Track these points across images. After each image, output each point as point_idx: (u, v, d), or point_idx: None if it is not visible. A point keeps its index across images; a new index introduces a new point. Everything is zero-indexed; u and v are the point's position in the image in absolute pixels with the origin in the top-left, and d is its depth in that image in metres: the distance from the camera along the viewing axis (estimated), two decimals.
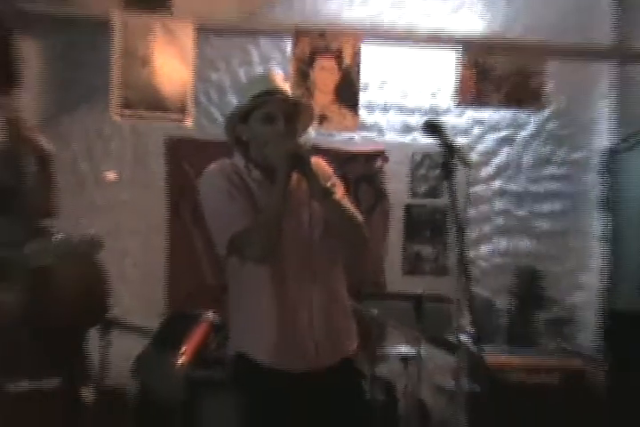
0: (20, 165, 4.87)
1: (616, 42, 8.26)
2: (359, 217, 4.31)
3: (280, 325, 4.19)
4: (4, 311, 4.79)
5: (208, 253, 6.35)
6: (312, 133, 6.09)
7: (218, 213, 4.30)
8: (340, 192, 4.33)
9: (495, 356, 6.60)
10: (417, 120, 8.17)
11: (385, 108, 8.36)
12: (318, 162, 4.36)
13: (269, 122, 4.23)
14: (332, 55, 6.81)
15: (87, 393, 5.12)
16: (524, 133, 8.52)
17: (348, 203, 4.34)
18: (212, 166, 4.39)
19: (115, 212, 7.89)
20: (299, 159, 4.11)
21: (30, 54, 6.72)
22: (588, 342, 7.59)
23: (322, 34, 6.81)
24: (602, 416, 6.23)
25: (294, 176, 4.19)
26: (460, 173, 3.80)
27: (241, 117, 4.33)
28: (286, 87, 4.44)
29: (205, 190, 4.40)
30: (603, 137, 8.44)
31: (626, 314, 6.92)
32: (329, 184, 4.27)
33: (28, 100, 6.80)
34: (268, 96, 4.28)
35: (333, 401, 4.26)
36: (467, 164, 3.83)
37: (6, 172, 4.88)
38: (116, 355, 5.94)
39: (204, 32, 6.75)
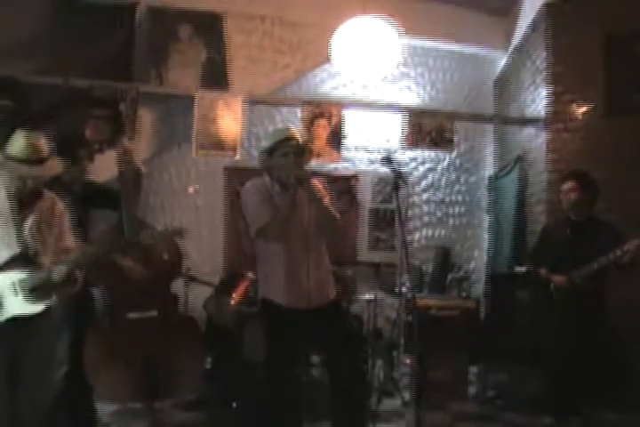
0: (125, 179, 5.01)
1: (496, 111, 8.43)
2: (337, 215, 4.45)
3: (288, 280, 4.39)
4: (129, 272, 4.93)
5: (246, 235, 6.30)
6: (312, 164, 6.20)
7: (251, 211, 4.45)
8: (326, 200, 4.47)
9: (421, 299, 6.49)
10: (376, 156, 8.23)
11: (357, 149, 8.44)
12: (314, 182, 4.48)
13: (285, 156, 4.39)
14: (325, 118, 6.73)
15: (174, 319, 5.27)
16: (441, 165, 8.67)
17: (330, 206, 4.47)
18: (250, 183, 4.55)
19: (195, 211, 8.05)
20: (303, 180, 4.30)
21: (144, 116, 6.76)
22: (478, 291, 7.66)
23: (319, 104, 6.72)
24: (482, 334, 6.28)
25: (299, 190, 4.34)
26: (403, 189, 3.96)
27: (268, 153, 4.48)
28: (297, 136, 4.55)
29: (245, 197, 4.53)
30: (488, 168, 8.63)
31: (501, 274, 6.96)
32: (320, 195, 4.43)
33: (142, 143, 6.92)
34: (285, 141, 4.44)
35: (326, 326, 4.42)
36: (406, 183, 3.99)
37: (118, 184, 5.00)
38: (194, 297, 6.22)
39: (248, 103, 6.69)
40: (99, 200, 5.04)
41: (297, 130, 5.55)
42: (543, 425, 5.23)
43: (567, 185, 5.37)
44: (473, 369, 6.40)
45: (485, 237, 8.38)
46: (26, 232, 3.81)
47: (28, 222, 3.83)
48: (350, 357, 4.45)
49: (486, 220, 8.40)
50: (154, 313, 4.95)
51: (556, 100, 6.54)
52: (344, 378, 4.37)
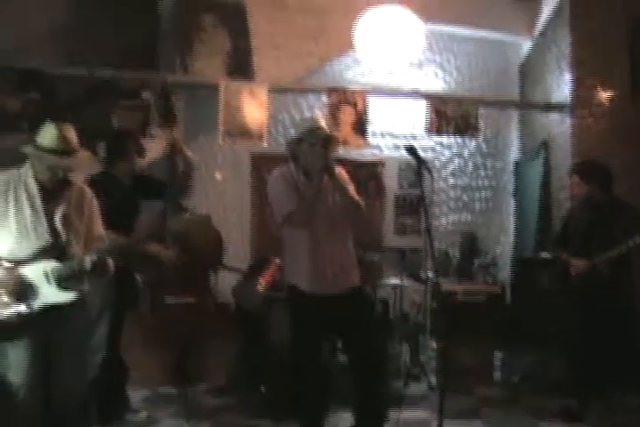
0: (174, 169, 5.07)
1: (521, 96, 8.39)
2: (361, 203, 4.49)
3: (312, 266, 4.43)
4: (165, 259, 5.00)
5: (273, 221, 6.32)
6: (339, 152, 6.20)
7: (277, 199, 4.50)
8: (351, 188, 4.51)
9: (447, 284, 6.55)
10: (402, 142, 8.13)
11: (382, 135, 8.45)
12: (340, 171, 4.50)
13: (313, 146, 4.41)
14: (350, 104, 6.73)
15: (210, 305, 5.35)
16: (466, 151, 8.66)
17: (356, 195, 4.50)
18: (276, 170, 4.60)
19: (222, 197, 8.07)
20: (328, 169, 4.34)
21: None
22: (503, 276, 7.63)
23: (344, 91, 6.75)
24: (508, 319, 6.28)
25: (325, 178, 4.38)
26: (427, 175, 3.89)
27: (295, 142, 4.52)
28: (323, 124, 4.57)
29: (271, 185, 4.58)
30: (513, 153, 8.61)
31: (526, 260, 6.93)
32: (344, 183, 4.45)
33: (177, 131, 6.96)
34: (312, 131, 4.46)
35: (350, 311, 4.45)
36: (430, 171, 3.94)
37: (166, 172, 5.08)
38: (223, 283, 6.20)
39: (274, 91, 6.66)
40: (148, 191, 5.15)
41: (323, 117, 5.59)
42: (567, 409, 5.26)
43: (572, 179, 5.45)
44: (498, 354, 6.42)
45: (512, 222, 8.36)
46: (56, 222, 3.85)
47: (59, 212, 3.86)
48: (371, 341, 4.50)
49: (512, 205, 8.38)
50: (191, 299, 5.08)
51: (581, 84, 6.51)
52: (365, 363, 4.43)
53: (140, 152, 5.06)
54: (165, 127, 5.64)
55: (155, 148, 5.78)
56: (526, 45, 8.20)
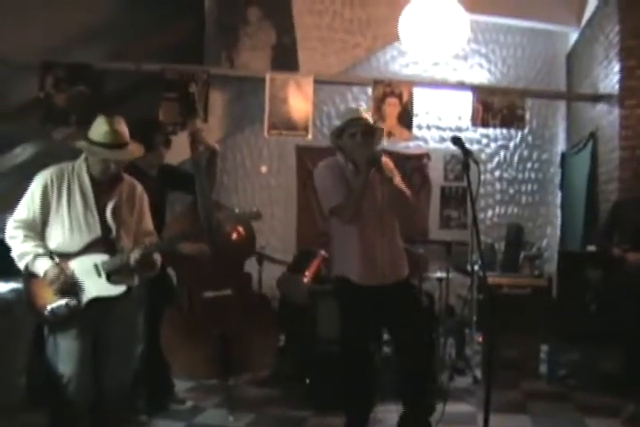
0: (198, 161, 5.02)
1: (568, 87, 8.32)
2: (409, 194, 4.45)
3: (362, 258, 4.38)
4: (200, 254, 5.01)
5: (320, 214, 6.31)
6: (384, 143, 6.17)
7: (325, 191, 4.46)
8: (397, 179, 4.44)
9: (493, 277, 6.37)
10: (448, 134, 8.14)
11: (428, 127, 8.45)
12: (386, 161, 4.41)
13: (354, 137, 4.36)
14: (395, 96, 6.72)
15: (249, 297, 5.34)
16: (512, 143, 8.61)
17: (402, 185, 4.45)
18: (323, 163, 4.54)
19: (267, 190, 8.13)
20: (373, 160, 4.26)
21: (216, 98, 6.85)
22: (550, 269, 7.41)
23: (389, 83, 6.73)
24: (553, 313, 6.18)
25: (372, 170, 4.29)
26: (474, 167, 3.82)
27: (338, 134, 4.45)
28: (366, 116, 4.51)
29: (318, 177, 4.53)
30: (560, 145, 8.52)
31: (573, 253, 6.84)
32: (391, 174, 4.37)
33: (215, 125, 6.98)
34: (354, 121, 4.40)
35: (398, 303, 4.41)
36: (476, 162, 3.91)
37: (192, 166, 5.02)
38: (268, 276, 6.25)
39: (319, 83, 6.75)
40: (174, 183, 5.13)
41: (367, 109, 5.54)
42: (617, 405, 5.17)
43: None
44: (544, 347, 6.34)
45: (558, 214, 8.29)
46: (107, 216, 3.86)
47: (110, 206, 3.88)
48: (420, 333, 4.48)
49: (559, 197, 8.29)
50: (228, 292, 5.05)
51: (630, 74, 6.38)
52: (412, 354, 4.39)
53: (167, 144, 5.05)
54: (190, 118, 5.65)
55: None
56: (573, 35, 8.09)
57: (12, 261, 3.85)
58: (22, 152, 6.27)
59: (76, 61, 6.24)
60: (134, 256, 3.84)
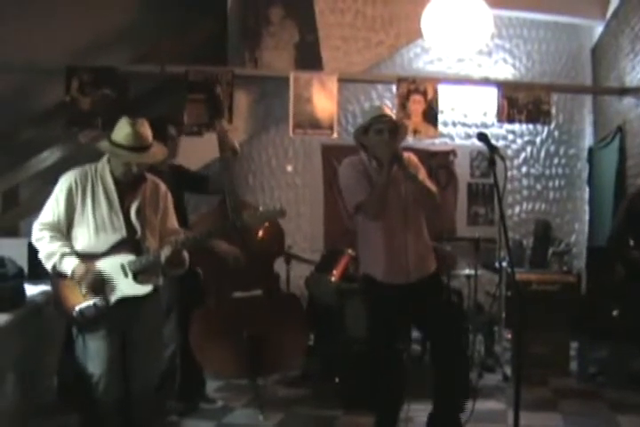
0: (227, 161, 5.07)
1: (594, 81, 8.24)
2: (435, 190, 4.43)
3: (388, 256, 4.37)
4: (227, 254, 5.02)
5: (345, 212, 6.34)
6: (410, 141, 6.10)
7: (349, 189, 4.45)
8: (422, 175, 4.43)
9: (521, 274, 6.39)
10: (473, 131, 8.15)
11: (454, 124, 8.39)
12: (410, 157, 4.44)
13: (379, 134, 4.35)
14: (420, 93, 6.69)
15: (278, 298, 5.31)
16: (539, 138, 8.50)
17: (428, 182, 4.44)
18: (347, 160, 4.55)
19: (292, 189, 8.14)
20: (397, 157, 4.26)
21: (241, 99, 6.85)
22: (578, 265, 7.39)
23: (414, 80, 6.69)
24: (582, 309, 6.14)
25: (395, 167, 4.28)
26: (500, 163, 3.81)
27: (363, 131, 4.44)
28: (390, 113, 4.51)
29: (342, 174, 4.54)
30: (586, 140, 8.43)
31: (601, 248, 6.79)
32: (415, 171, 4.38)
33: (240, 125, 6.96)
34: (378, 118, 4.39)
35: (426, 299, 4.41)
36: (503, 158, 3.88)
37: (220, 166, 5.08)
38: (296, 275, 6.31)
39: (343, 82, 6.72)
40: (187, 183, 5.15)
41: (391, 106, 5.51)
42: None
43: None
44: (574, 344, 6.30)
45: (586, 209, 8.23)
46: (132, 216, 3.90)
47: (134, 207, 3.91)
48: (451, 330, 4.45)
49: (587, 192, 8.23)
50: (258, 292, 5.08)
51: None
52: (445, 351, 4.38)
53: (179, 132, 5.10)
54: (217, 118, 5.68)
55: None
56: (598, 28, 7.99)
57: (39, 263, 3.90)
58: (49, 156, 6.32)
59: (101, 65, 6.28)
60: (165, 253, 3.87)
